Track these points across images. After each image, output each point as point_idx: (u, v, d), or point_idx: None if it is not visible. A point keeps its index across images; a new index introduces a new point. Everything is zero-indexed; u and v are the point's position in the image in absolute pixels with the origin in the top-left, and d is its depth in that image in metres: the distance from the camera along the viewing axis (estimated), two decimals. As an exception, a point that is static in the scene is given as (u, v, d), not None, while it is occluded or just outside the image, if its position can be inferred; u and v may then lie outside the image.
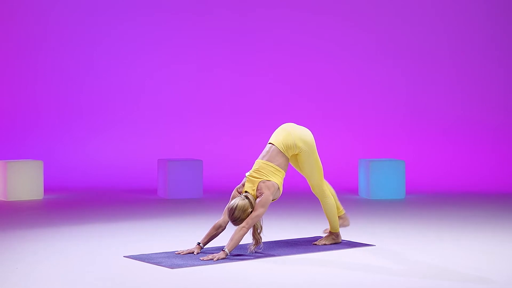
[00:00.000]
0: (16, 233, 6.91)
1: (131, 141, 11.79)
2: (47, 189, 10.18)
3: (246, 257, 5.79)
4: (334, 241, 6.40)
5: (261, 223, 5.94)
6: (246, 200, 5.83)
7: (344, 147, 11.75)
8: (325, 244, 6.34)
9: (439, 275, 5.25)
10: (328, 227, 6.51)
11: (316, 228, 7.17)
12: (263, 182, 5.89)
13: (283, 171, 6.03)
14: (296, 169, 6.35)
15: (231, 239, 5.75)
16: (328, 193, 6.33)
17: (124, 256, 5.79)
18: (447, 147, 11.74)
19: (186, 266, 5.43)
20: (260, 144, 11.68)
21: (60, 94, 11.84)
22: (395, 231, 7.14)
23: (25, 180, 9.60)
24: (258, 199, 5.84)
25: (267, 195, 5.85)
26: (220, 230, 5.99)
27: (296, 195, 9.90)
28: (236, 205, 5.78)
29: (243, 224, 5.77)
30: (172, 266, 5.41)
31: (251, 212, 5.81)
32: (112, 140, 11.79)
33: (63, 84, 11.85)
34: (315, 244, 6.35)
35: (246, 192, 5.90)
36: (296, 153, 6.12)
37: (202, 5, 12.00)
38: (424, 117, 11.89)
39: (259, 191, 5.87)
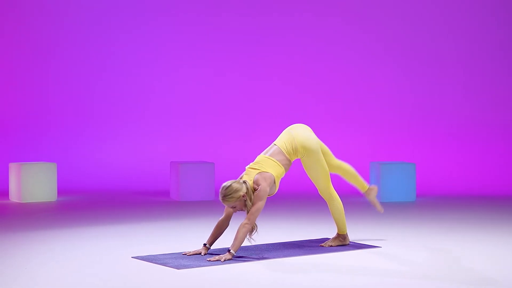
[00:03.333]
0: (27, 234, 7.00)
1: (144, 143, 11.87)
2: (60, 191, 10.29)
3: (252, 259, 5.83)
4: (341, 243, 6.44)
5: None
6: (243, 185, 5.81)
7: (355, 150, 11.77)
8: (331, 246, 6.39)
9: (441, 277, 5.26)
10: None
11: (322, 230, 7.21)
12: (260, 174, 5.88)
13: (283, 168, 6.02)
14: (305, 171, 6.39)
15: (236, 239, 5.76)
16: (335, 195, 6.36)
17: (132, 257, 5.87)
18: (458, 149, 11.73)
19: (192, 267, 5.48)
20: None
21: (73, 98, 11.94)
22: (403, 233, 7.17)
23: (39, 182, 9.71)
24: (256, 192, 5.82)
25: (264, 187, 5.83)
26: (224, 228, 6.01)
27: (302, 196, 9.95)
28: (230, 185, 5.77)
29: (245, 221, 5.77)
30: (178, 267, 5.47)
31: (243, 197, 5.78)
32: (125, 142, 11.88)
33: (77, 88, 11.96)
34: (322, 246, 6.40)
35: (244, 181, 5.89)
36: (299, 157, 6.15)
37: (212, 8, 12.07)
38: (435, 120, 11.88)
39: (256, 183, 5.85)
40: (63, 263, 5.67)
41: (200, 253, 5.91)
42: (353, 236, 6.84)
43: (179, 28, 12.05)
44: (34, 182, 9.68)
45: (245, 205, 5.83)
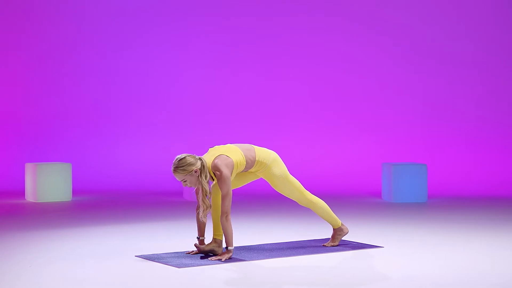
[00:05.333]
0: (37, 233, 7.11)
1: (159, 144, 11.97)
2: (76, 191, 10.42)
3: (253, 257, 5.88)
4: (342, 236, 6.43)
5: (209, 188, 5.82)
6: (198, 161, 5.70)
7: (367, 151, 11.79)
8: (333, 246, 6.42)
9: (438, 279, 5.28)
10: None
11: (325, 229, 7.25)
12: (220, 157, 5.75)
13: (245, 161, 5.89)
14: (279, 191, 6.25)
15: (225, 234, 5.72)
16: (315, 199, 6.27)
17: (135, 256, 5.96)
18: (469, 150, 11.70)
19: (193, 266, 5.55)
20: (285, 147, 11.80)
21: (89, 99, 12.07)
22: (409, 234, 7.18)
23: (54, 182, 9.84)
24: (218, 181, 5.71)
25: (226, 173, 5.69)
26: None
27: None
28: (184, 157, 5.67)
29: (222, 214, 5.68)
30: (179, 266, 5.54)
31: (196, 173, 5.67)
32: (141, 143, 11.98)
33: (93, 89, 12.08)
34: (325, 246, 6.43)
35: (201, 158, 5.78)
36: (262, 168, 6.05)
37: (228, 9, 12.14)
38: (446, 121, 11.86)
39: (214, 169, 5.72)
40: (65, 261, 5.76)
41: (202, 251, 5.93)
42: (360, 236, 6.88)
43: (193, 30, 12.13)
44: (49, 182, 9.81)
45: (199, 182, 5.72)
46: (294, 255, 6.04)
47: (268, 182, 6.17)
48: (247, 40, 12.15)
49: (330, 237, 6.53)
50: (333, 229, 6.45)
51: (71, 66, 12.04)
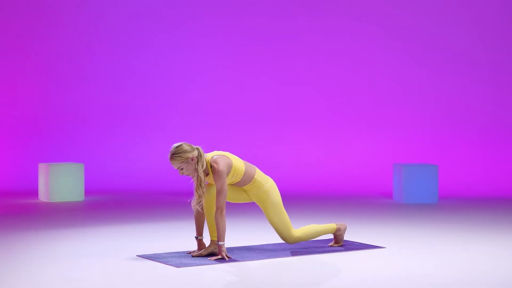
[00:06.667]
0: (46, 233, 7.19)
1: (171, 144, 11.91)
2: (88, 191, 10.51)
3: (253, 257, 5.91)
4: (343, 234, 6.41)
5: (205, 177, 5.86)
6: (196, 150, 5.80)
7: (378, 152, 11.78)
8: (338, 246, 6.41)
9: (434, 280, 5.28)
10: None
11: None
12: (221, 156, 5.85)
13: (243, 169, 5.95)
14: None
15: (217, 229, 5.75)
16: (300, 232, 6.22)
17: (136, 255, 6.01)
18: (481, 151, 11.65)
19: (192, 265, 5.58)
20: (296, 148, 11.82)
21: (102, 100, 12.13)
22: (413, 234, 7.17)
23: (66, 182, 9.93)
24: (214, 175, 5.77)
25: (222, 168, 5.76)
26: (202, 217, 6.00)
27: (306, 197, 10.00)
28: (181, 145, 5.79)
29: (217, 209, 5.73)
30: (178, 265, 5.58)
31: (192, 160, 5.75)
32: (153, 143, 12.03)
33: (105, 90, 12.15)
34: (331, 246, 6.44)
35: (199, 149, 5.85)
36: (252, 189, 6.08)
37: (242, 10, 12.17)
38: (458, 121, 11.80)
39: (212, 162, 5.80)
40: (67, 260, 5.83)
41: (203, 250, 5.96)
42: (365, 237, 6.88)
43: (209, 31, 12.17)
44: (62, 182, 9.90)
45: (196, 170, 5.79)
46: (295, 255, 6.05)
47: (261, 208, 6.17)
48: (263, 42, 12.15)
49: (333, 239, 6.53)
50: (333, 234, 6.46)
51: (85, 66, 12.13)
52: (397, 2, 11.99)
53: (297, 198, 9.99)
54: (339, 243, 6.44)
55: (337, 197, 9.89)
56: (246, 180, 6.04)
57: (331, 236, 6.93)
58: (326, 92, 12.09)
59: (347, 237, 6.90)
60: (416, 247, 6.47)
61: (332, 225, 6.40)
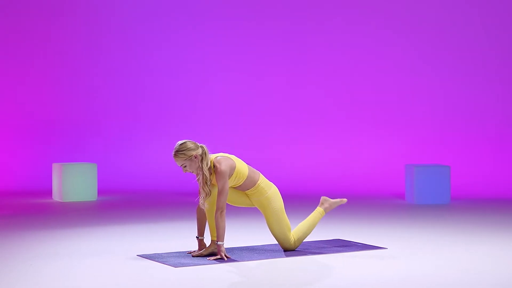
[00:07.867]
0: (55, 232, 7.26)
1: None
2: (101, 191, 10.58)
3: (252, 257, 5.91)
4: (333, 206, 6.41)
5: (210, 175, 5.87)
6: (200, 148, 5.82)
7: (391, 153, 11.73)
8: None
9: (434, 281, 5.26)
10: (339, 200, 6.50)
11: (327, 230, 7.26)
12: (225, 157, 5.88)
13: (247, 172, 5.98)
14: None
15: (217, 229, 5.77)
16: (295, 236, 6.22)
17: (137, 255, 6.04)
18: (493, 152, 11.55)
19: (190, 265, 5.60)
20: (309, 150, 11.81)
21: (115, 100, 12.20)
22: (418, 235, 7.14)
23: (80, 182, 10.00)
24: (216, 175, 5.79)
25: (224, 168, 5.79)
26: (203, 217, 6.03)
27: (307, 198, 9.98)
28: (185, 142, 5.81)
29: (217, 209, 5.75)
30: (176, 265, 5.60)
31: (195, 158, 5.77)
32: (166, 143, 12.04)
33: (119, 90, 12.21)
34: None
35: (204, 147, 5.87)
36: (254, 194, 6.10)
37: (256, 13, 12.18)
38: (470, 122, 11.72)
39: (216, 162, 5.82)
40: (70, 259, 5.89)
41: (203, 250, 5.98)
42: (369, 237, 6.88)
43: (223, 32, 12.20)
44: (75, 182, 9.97)
45: (200, 168, 5.81)
46: (294, 255, 6.05)
47: (263, 213, 6.18)
48: (276, 44, 12.15)
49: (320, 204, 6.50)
50: (323, 210, 6.42)
51: (99, 67, 12.20)
52: (407, 3, 11.94)
53: (308, 199, 9.98)
54: (337, 203, 6.43)
55: (349, 198, 9.83)
56: (248, 185, 6.06)
57: (331, 236, 6.94)
58: (337, 93, 12.07)
59: (351, 238, 6.90)
60: (420, 248, 6.44)
61: (318, 210, 6.36)
